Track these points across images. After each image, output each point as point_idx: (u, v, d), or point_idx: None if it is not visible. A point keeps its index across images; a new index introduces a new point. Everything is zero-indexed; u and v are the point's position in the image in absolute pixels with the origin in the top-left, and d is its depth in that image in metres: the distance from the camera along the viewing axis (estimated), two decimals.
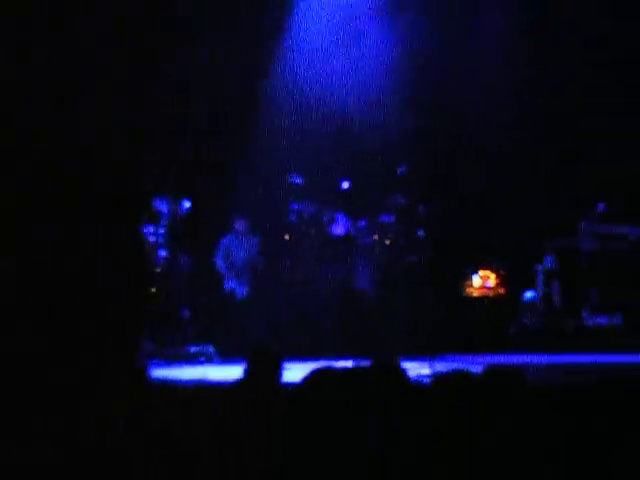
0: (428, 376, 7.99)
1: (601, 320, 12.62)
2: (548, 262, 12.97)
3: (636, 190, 12.64)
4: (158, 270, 12.00)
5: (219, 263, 12.50)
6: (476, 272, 13.42)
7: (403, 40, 13.14)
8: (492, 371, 4.01)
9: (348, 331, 11.75)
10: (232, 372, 5.10)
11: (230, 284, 12.45)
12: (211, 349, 11.58)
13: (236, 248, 12.52)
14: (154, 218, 12.07)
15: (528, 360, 10.69)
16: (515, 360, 10.47)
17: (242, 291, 12.43)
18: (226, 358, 10.94)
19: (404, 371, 4.00)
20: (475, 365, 6.81)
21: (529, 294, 12.97)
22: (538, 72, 13.40)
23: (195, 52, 12.44)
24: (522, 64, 13.38)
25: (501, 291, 13.36)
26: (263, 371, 4.93)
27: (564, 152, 13.26)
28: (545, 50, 13.47)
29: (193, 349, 11.62)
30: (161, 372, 8.78)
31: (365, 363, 4.00)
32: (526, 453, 3.51)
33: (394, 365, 3.96)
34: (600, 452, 3.69)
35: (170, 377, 8.38)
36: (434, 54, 13.20)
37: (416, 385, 4.20)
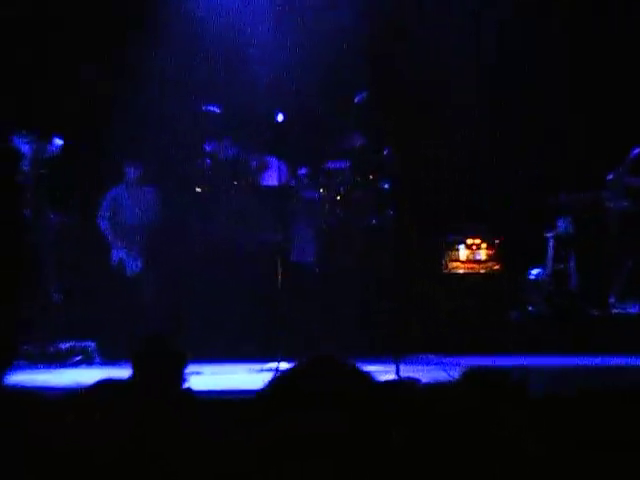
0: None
1: (634, 309, 11.31)
2: (561, 227, 11.80)
3: None
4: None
5: (103, 225, 11.10)
6: (462, 241, 12.04)
7: None
8: (473, 377, 3.29)
9: (283, 324, 10.00)
10: (119, 375, 4.55)
11: (118, 254, 11.10)
12: (91, 346, 10.77)
13: (126, 204, 11.22)
14: None
15: (532, 362, 9.93)
16: (514, 362, 9.71)
17: (133, 264, 11.14)
18: (111, 359, 10.06)
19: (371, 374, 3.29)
20: (456, 368, 5.96)
21: (535, 271, 11.83)
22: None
23: None
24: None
25: (496, 267, 12.08)
26: (155, 374, 4.84)
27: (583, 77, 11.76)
28: None
29: (65, 346, 10.79)
30: (21, 377, 8.17)
31: (317, 365, 3.17)
32: None
33: (356, 367, 3.19)
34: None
35: (33, 383, 7.99)
36: None
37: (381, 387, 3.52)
